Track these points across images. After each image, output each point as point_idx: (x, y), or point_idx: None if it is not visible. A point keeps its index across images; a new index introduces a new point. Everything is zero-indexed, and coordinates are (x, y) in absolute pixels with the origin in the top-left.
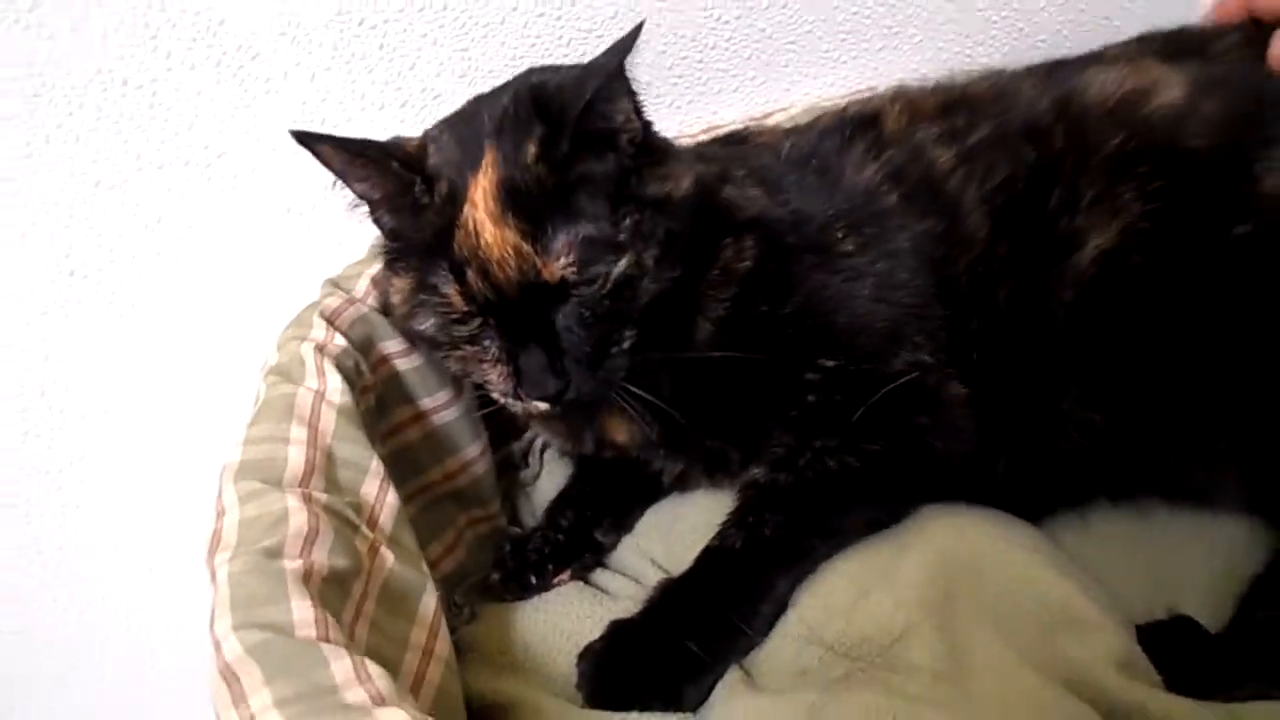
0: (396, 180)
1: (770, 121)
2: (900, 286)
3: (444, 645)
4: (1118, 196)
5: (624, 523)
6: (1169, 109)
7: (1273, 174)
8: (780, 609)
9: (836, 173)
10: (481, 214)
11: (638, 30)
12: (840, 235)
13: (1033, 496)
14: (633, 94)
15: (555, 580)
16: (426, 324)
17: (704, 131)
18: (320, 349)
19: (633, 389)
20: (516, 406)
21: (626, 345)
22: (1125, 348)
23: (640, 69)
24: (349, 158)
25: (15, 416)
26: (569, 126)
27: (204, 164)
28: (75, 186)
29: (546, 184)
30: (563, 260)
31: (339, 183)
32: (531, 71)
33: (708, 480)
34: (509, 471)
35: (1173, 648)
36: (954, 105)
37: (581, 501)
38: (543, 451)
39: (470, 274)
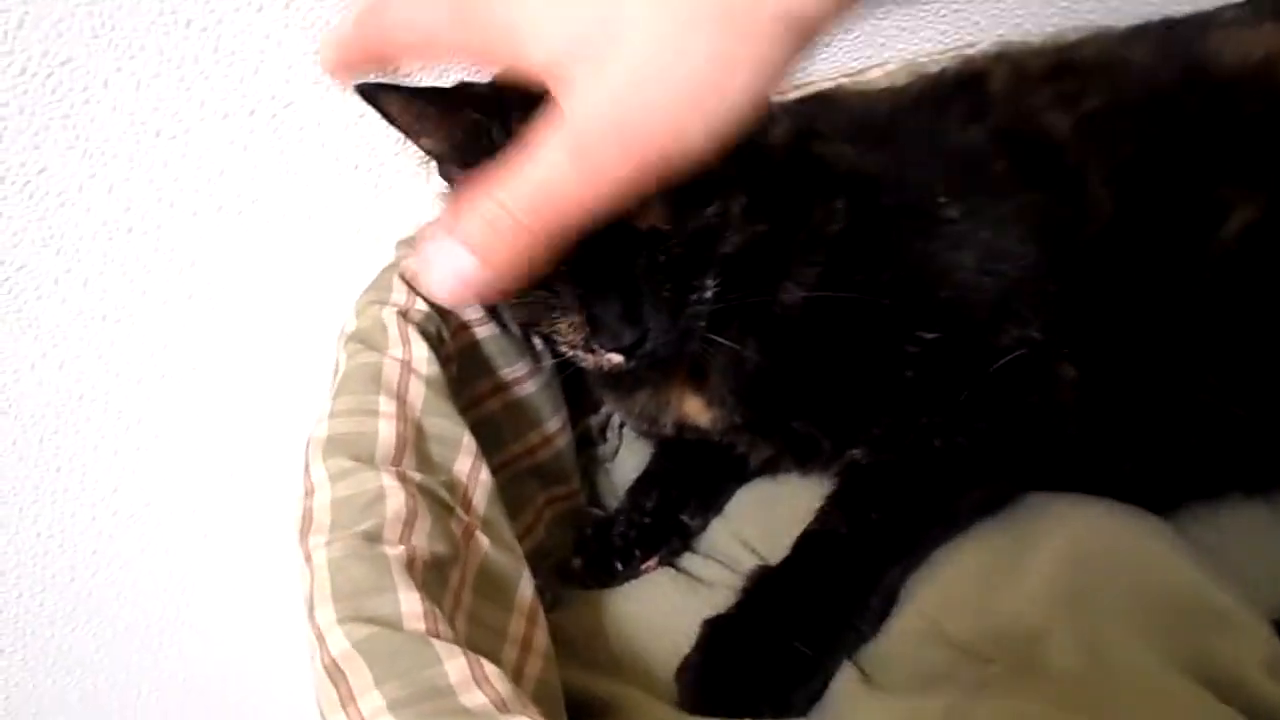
0: (470, 125)
1: (866, 78)
2: (1007, 257)
3: (543, 636)
4: (1263, 166)
5: (712, 504)
6: None
7: None
8: (892, 602)
9: (938, 134)
10: None
11: None
12: (942, 200)
13: (1161, 489)
14: None
15: (643, 567)
16: None
17: (794, 88)
18: (403, 314)
19: (718, 340)
20: (588, 360)
21: (709, 294)
22: (1269, 330)
23: None
24: (418, 109)
25: (70, 379)
26: None
27: (270, 114)
28: (135, 136)
29: None
30: (656, 205)
31: (406, 140)
32: None
33: (798, 468)
34: (586, 449)
35: None
36: (1063, 68)
37: (666, 481)
38: (621, 426)
39: None
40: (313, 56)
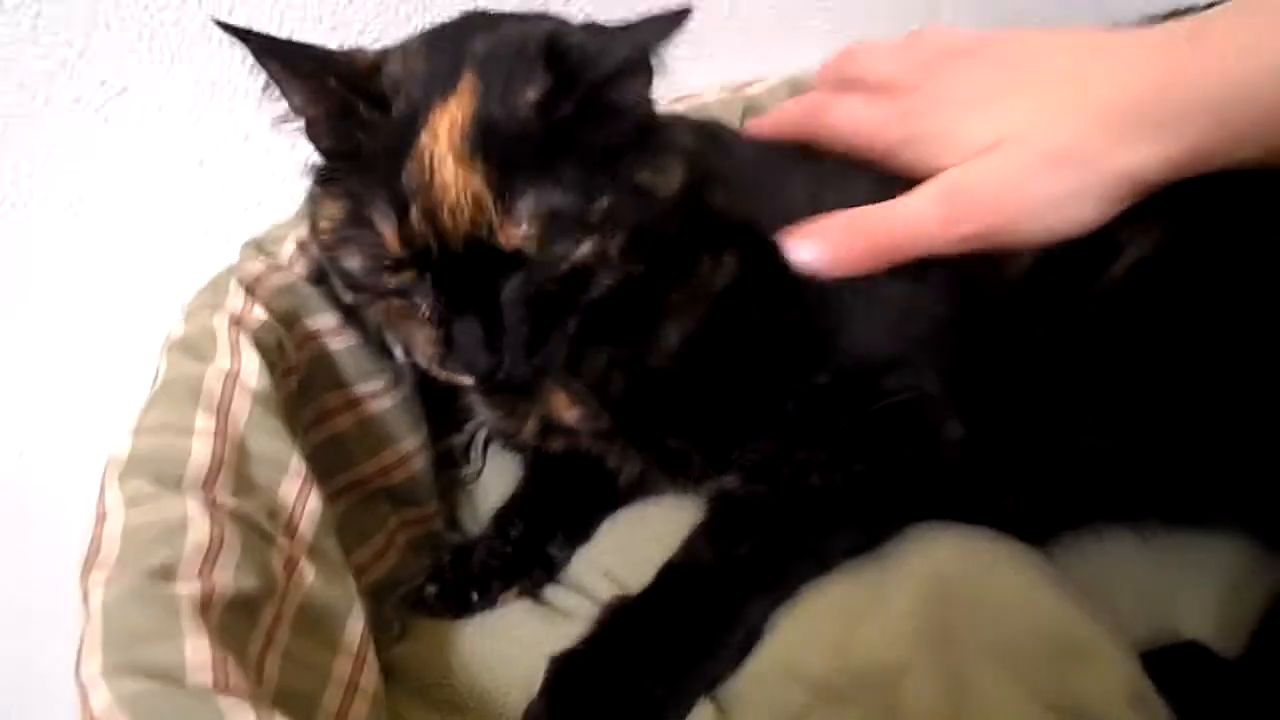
0: (337, 98)
1: (748, 92)
2: (919, 316)
3: (371, 677)
4: (1169, 200)
5: (580, 534)
6: None
7: None
8: (754, 638)
9: (857, 182)
10: (444, 147)
11: (683, 15)
12: None
13: (1036, 521)
14: (652, 77)
15: (500, 598)
16: (352, 262)
17: (677, 100)
18: (236, 321)
19: (573, 381)
20: (440, 374)
21: (570, 330)
22: (1149, 367)
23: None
24: (282, 66)
25: None
26: (582, 86)
27: (100, 102)
28: None
29: (532, 137)
30: (524, 228)
31: (272, 88)
32: (544, 16)
33: (669, 483)
34: (448, 469)
35: (1183, 677)
36: None
37: (533, 508)
38: (486, 446)
39: (414, 213)
40: (149, 39)
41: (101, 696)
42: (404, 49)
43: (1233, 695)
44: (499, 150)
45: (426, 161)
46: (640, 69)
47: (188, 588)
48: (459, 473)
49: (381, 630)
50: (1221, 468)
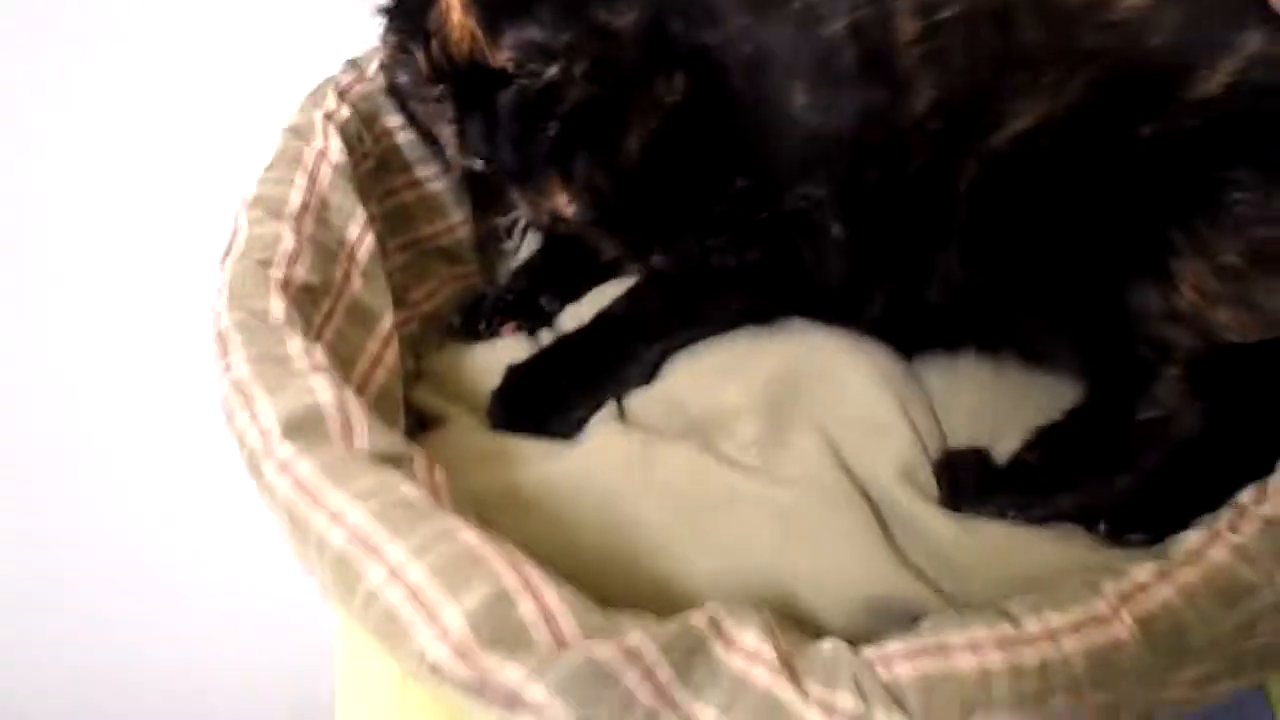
0: None
1: None
2: (826, 137)
3: (392, 355)
4: (1065, 86)
5: (568, 295)
6: (1135, 10)
7: (1208, 80)
8: (648, 372)
9: (810, 21)
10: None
11: None
12: (795, 90)
13: (907, 335)
14: None
15: (502, 329)
16: (404, 79)
17: None
18: (329, 116)
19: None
20: (461, 162)
21: (550, 134)
22: (1009, 220)
23: None
24: None
25: None
26: None
27: None
28: None
29: None
30: (506, 53)
31: None
32: None
33: (636, 264)
34: (496, 242)
35: (957, 470)
36: None
37: (535, 272)
38: (525, 229)
39: (434, 44)
40: None
41: (225, 319)
42: None
43: (979, 485)
44: (487, 2)
45: (443, 8)
46: None
47: (277, 273)
48: (503, 245)
49: (424, 342)
50: (1056, 312)
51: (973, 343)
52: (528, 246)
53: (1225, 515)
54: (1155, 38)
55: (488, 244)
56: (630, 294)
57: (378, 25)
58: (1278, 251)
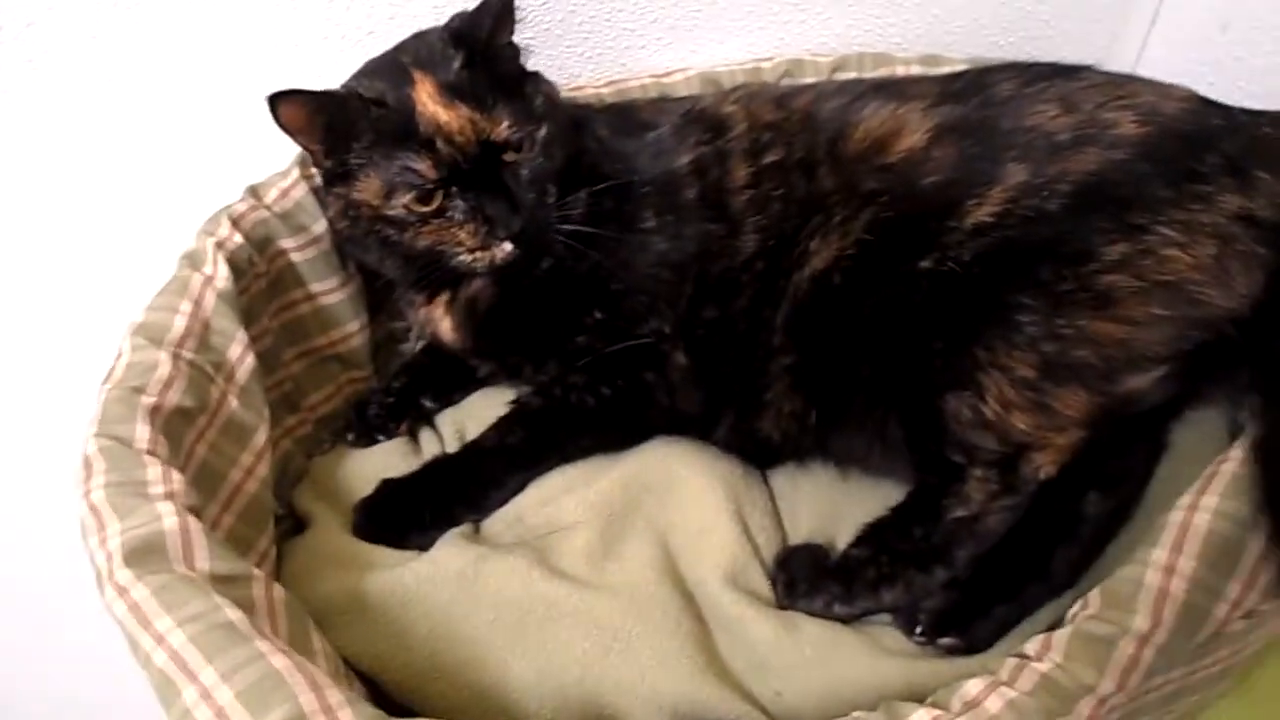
0: (349, 116)
1: (670, 79)
2: (670, 266)
3: (264, 467)
4: (850, 226)
5: (449, 397)
6: (910, 151)
7: (978, 209)
8: (508, 496)
9: (667, 154)
10: (433, 106)
11: None
12: (648, 212)
13: (752, 454)
14: (513, 26)
15: (397, 433)
16: (400, 205)
17: (608, 84)
18: (220, 245)
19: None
20: (483, 259)
21: (551, 200)
22: (822, 351)
23: (553, 22)
24: (309, 110)
25: None
26: (481, 45)
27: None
28: None
29: (473, 83)
30: (505, 123)
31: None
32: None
33: (509, 383)
34: (394, 343)
35: (793, 566)
36: (769, 124)
37: (417, 371)
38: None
39: (439, 144)
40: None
41: (91, 445)
42: (361, 80)
43: (820, 578)
44: (460, 94)
45: (429, 115)
46: (508, 17)
47: (148, 399)
48: (400, 347)
49: (315, 447)
50: (877, 427)
51: (811, 457)
52: (422, 350)
53: (1007, 665)
54: (928, 178)
55: (384, 348)
56: (498, 427)
57: (281, 150)
58: (1064, 362)
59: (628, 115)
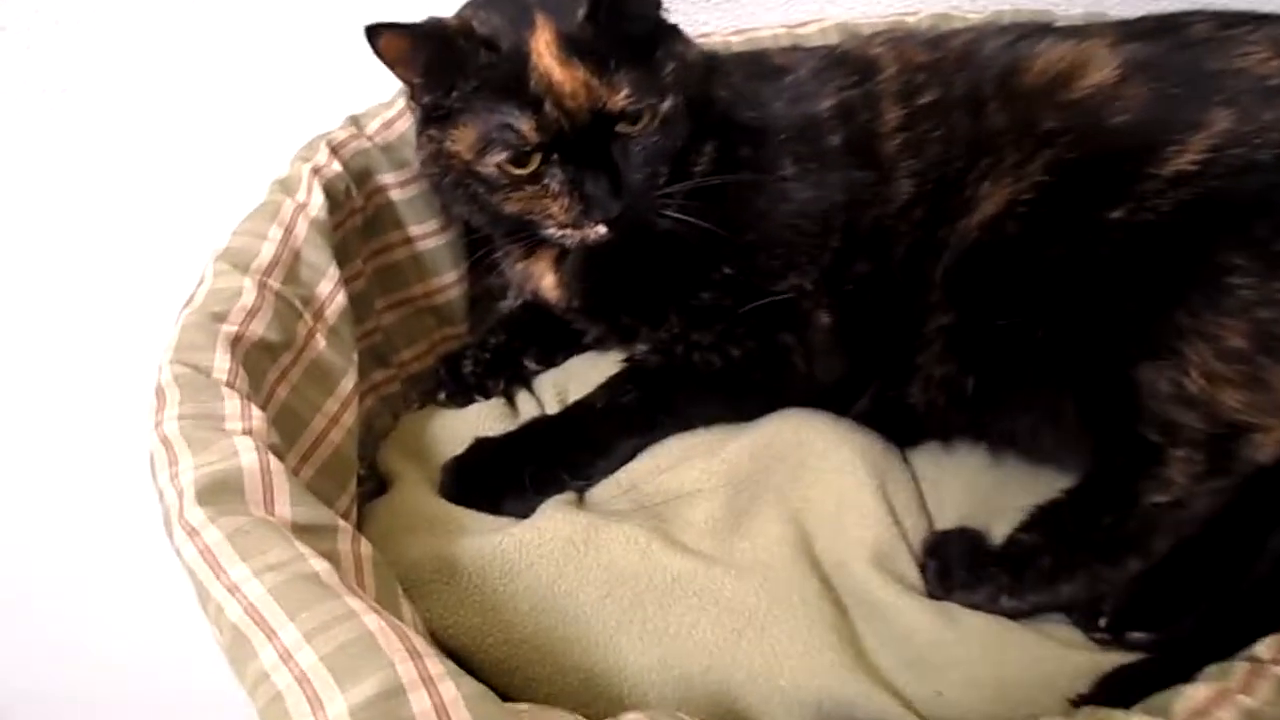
0: (456, 55)
1: (804, 30)
2: (812, 217)
3: (350, 416)
4: (1026, 168)
5: (550, 359)
6: (1097, 88)
7: (1180, 155)
8: (617, 463)
9: (807, 98)
10: (549, 60)
11: None
12: (786, 159)
13: (895, 429)
14: None
15: (494, 393)
16: (492, 164)
17: (736, 33)
18: (316, 171)
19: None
20: (573, 237)
21: (661, 181)
22: (988, 310)
23: None
24: (411, 43)
25: None
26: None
27: None
28: None
29: (598, 38)
30: (624, 92)
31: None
32: None
33: (621, 347)
34: (487, 301)
35: (946, 553)
36: (925, 64)
37: (515, 328)
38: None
39: (547, 106)
40: None
41: (165, 372)
42: (475, 17)
43: (981, 567)
44: (581, 50)
45: (543, 71)
46: None
47: (230, 327)
48: (498, 305)
49: (403, 406)
50: (1049, 399)
51: (964, 436)
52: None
53: (1238, 670)
54: (1118, 117)
55: (480, 303)
56: (609, 385)
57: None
58: None
59: (761, 60)
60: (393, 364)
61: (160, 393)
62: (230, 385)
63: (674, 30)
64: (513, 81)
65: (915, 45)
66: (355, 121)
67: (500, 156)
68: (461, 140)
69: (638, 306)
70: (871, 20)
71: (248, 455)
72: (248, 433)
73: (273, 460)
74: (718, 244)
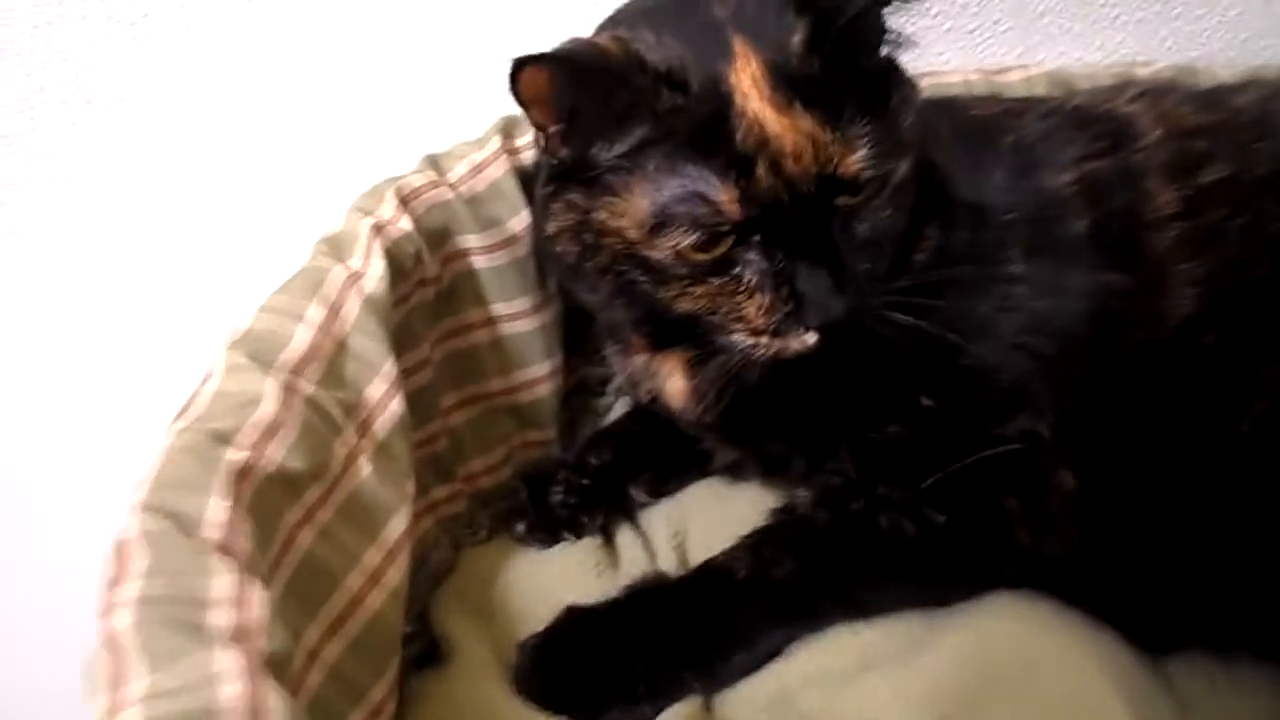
0: (624, 97)
1: (1005, 79)
2: (1051, 334)
3: (397, 573)
4: None
5: (665, 486)
6: None
7: None
8: (760, 662)
9: (1037, 168)
10: (758, 103)
11: None
12: (1014, 249)
13: (1155, 629)
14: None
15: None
16: (668, 246)
17: (923, 74)
18: (379, 229)
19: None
20: (769, 348)
21: (883, 269)
22: None
23: None
24: (564, 77)
25: None
26: (839, 18)
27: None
28: None
29: (824, 74)
30: (861, 152)
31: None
32: None
33: (763, 479)
34: (582, 396)
35: None
36: (1201, 128)
37: (625, 444)
38: (620, 387)
39: (760, 169)
40: None
41: (132, 524)
42: (643, 31)
43: None
44: (803, 92)
45: (753, 119)
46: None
47: (236, 455)
48: (593, 402)
49: (469, 531)
50: None
51: (1253, 644)
52: (620, 407)
53: None
54: None
55: (573, 399)
56: (754, 547)
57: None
58: None
59: (965, 114)
60: (458, 477)
61: (120, 555)
62: (224, 550)
63: (894, 67)
64: (708, 134)
65: (1180, 101)
66: (434, 164)
67: (687, 240)
68: (626, 213)
69: (797, 432)
70: (1090, 70)
71: (228, 686)
72: (238, 638)
73: (271, 697)
74: (920, 362)
